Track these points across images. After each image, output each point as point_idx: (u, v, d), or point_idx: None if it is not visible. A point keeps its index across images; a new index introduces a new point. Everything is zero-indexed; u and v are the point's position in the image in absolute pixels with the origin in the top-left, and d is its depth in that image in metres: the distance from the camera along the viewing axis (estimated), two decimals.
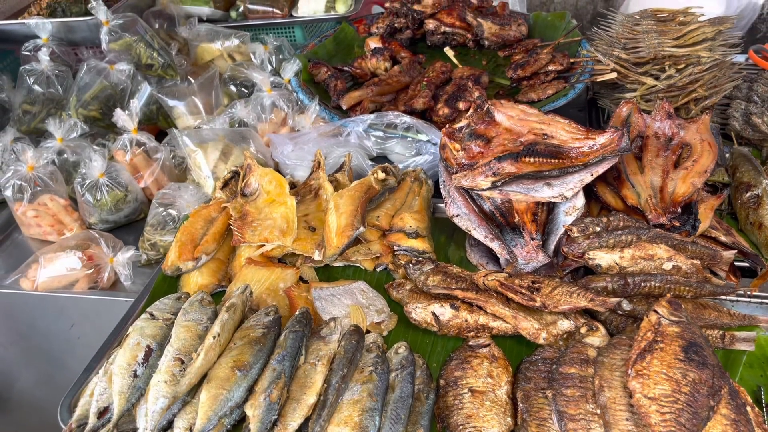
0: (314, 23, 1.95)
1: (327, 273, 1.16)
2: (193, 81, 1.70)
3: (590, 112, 1.63)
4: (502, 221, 1.09)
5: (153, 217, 1.34)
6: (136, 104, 1.47)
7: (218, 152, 1.35)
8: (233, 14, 1.90)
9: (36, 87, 1.56)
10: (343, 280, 1.11)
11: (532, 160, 1.06)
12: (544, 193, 1.04)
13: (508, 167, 1.06)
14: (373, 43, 1.71)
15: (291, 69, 1.61)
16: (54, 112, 1.60)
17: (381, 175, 1.20)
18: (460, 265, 1.12)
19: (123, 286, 1.31)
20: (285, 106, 1.49)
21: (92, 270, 1.26)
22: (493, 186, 1.06)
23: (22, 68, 1.57)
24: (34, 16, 1.77)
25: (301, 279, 1.12)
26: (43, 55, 1.56)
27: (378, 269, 1.15)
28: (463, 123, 1.16)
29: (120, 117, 1.44)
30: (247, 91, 1.70)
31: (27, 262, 1.29)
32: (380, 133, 1.38)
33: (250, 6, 1.88)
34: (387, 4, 1.83)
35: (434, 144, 1.33)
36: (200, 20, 1.89)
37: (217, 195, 1.26)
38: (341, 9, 1.86)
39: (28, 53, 1.65)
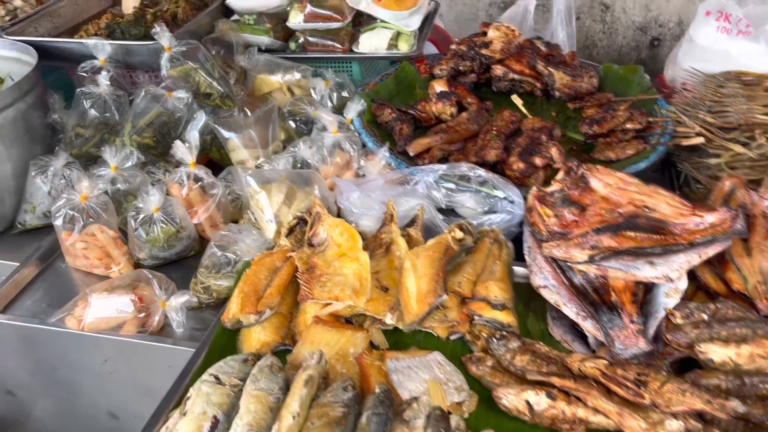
0: (374, 60, 1.89)
1: (395, 336, 1.08)
2: (249, 113, 1.64)
3: (663, 173, 1.55)
4: (596, 298, 1.00)
5: (208, 258, 1.26)
6: (196, 137, 1.41)
7: (282, 195, 1.28)
8: (292, 45, 1.85)
9: (92, 111, 1.51)
10: (415, 348, 1.03)
11: (633, 234, 0.98)
12: (645, 272, 0.96)
13: (607, 241, 0.98)
14: (439, 87, 1.65)
15: (354, 108, 1.54)
16: (107, 138, 1.54)
17: (459, 234, 1.12)
18: (541, 339, 1.04)
19: (171, 330, 1.23)
20: (351, 149, 1.42)
21: (143, 314, 1.18)
22: (591, 260, 0.98)
23: (79, 90, 1.52)
24: (92, 36, 1.73)
25: (370, 342, 1.04)
26: (103, 79, 1.50)
27: (452, 337, 1.07)
28: (555, 187, 1.08)
29: (179, 149, 1.38)
30: (305, 128, 1.63)
31: (74, 300, 1.22)
32: (452, 185, 1.31)
33: (311, 38, 1.83)
34: (453, 46, 1.77)
35: (511, 202, 1.26)
36: (258, 50, 1.84)
37: (282, 242, 1.19)
38: (403, 47, 1.81)
39: (84, 74, 1.60)
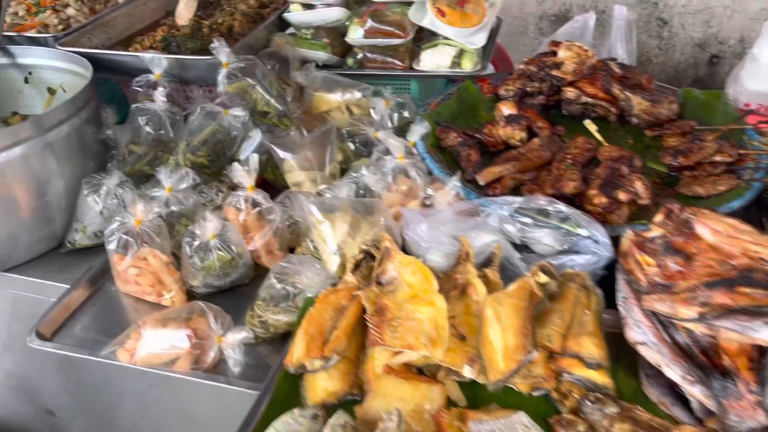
0: (435, 79, 1.81)
1: (471, 389, 0.98)
2: (306, 133, 1.57)
3: (748, 211, 1.43)
4: (704, 360, 0.90)
5: (266, 290, 1.19)
6: (255, 159, 1.34)
7: (346, 225, 1.20)
8: (350, 61, 1.77)
9: (146, 127, 1.45)
10: (496, 406, 0.93)
11: (749, 291, 0.87)
12: (764, 334, 0.86)
13: (720, 297, 0.87)
14: (507, 109, 1.55)
15: (418, 131, 1.46)
16: (161, 156, 1.48)
17: (543, 278, 1.02)
18: (634, 400, 0.94)
19: (225, 366, 1.16)
20: (417, 177, 1.34)
21: (198, 349, 1.11)
22: (701, 318, 0.87)
23: (134, 106, 1.47)
24: (147, 48, 1.68)
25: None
26: (159, 95, 1.45)
27: (534, 393, 0.97)
28: (655, 232, 0.98)
29: (237, 171, 1.31)
30: (365, 150, 1.55)
31: (126, 332, 1.16)
32: (528, 220, 1.21)
33: (369, 54, 1.75)
34: (521, 66, 1.68)
35: (595, 242, 1.16)
36: (315, 65, 1.77)
37: (347, 278, 1.11)
38: (467, 66, 1.72)
39: (139, 88, 1.54)
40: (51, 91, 1.71)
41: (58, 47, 1.65)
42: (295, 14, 1.77)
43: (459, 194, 1.28)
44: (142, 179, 1.50)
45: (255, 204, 1.31)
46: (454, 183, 1.25)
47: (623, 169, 1.34)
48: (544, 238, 1.21)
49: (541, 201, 1.22)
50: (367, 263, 1.14)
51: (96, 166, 1.49)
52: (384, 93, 1.68)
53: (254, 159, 1.33)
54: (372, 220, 1.24)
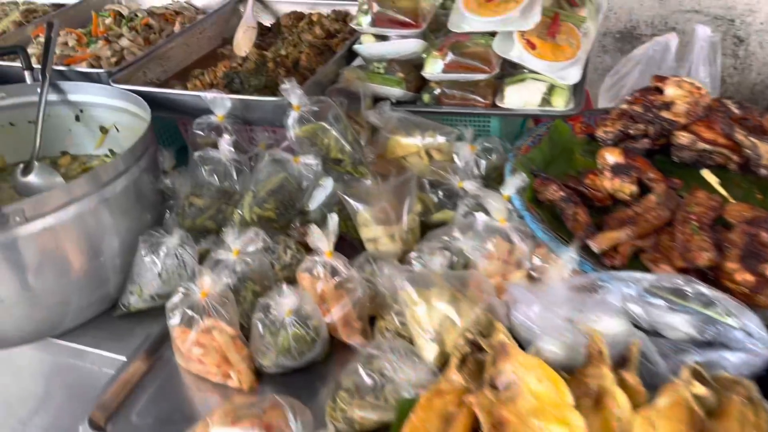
0: (523, 117, 1.63)
1: None
2: (380, 180, 1.41)
3: None
4: None
5: (350, 377, 1.02)
6: (335, 221, 1.18)
7: (445, 305, 1.03)
8: (426, 98, 1.60)
9: (210, 178, 1.31)
10: None
11: None
12: None
13: None
14: (612, 157, 1.36)
15: (513, 184, 1.28)
16: (224, 209, 1.34)
17: (700, 389, 0.84)
18: None
19: None
20: (520, 242, 1.16)
21: None
22: None
23: (197, 155, 1.32)
24: (207, 85, 1.54)
25: None
26: (226, 144, 1.30)
27: None
28: None
29: (314, 234, 1.15)
30: (448, 201, 1.38)
31: (192, 429, 1.00)
32: (661, 302, 1.02)
33: (447, 90, 1.58)
34: (623, 105, 1.49)
35: (748, 334, 0.96)
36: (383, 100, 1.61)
37: (453, 377, 0.93)
38: (559, 104, 1.53)
39: (200, 132, 1.40)
40: (103, 130, 1.58)
41: (113, 84, 1.52)
42: (367, 46, 1.61)
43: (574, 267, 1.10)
44: (202, 233, 1.36)
45: (334, 272, 1.14)
46: (570, 256, 1.07)
47: (763, 236, 1.14)
48: (680, 325, 1.02)
49: (678, 280, 1.03)
50: (474, 356, 0.96)
51: (153, 218, 1.35)
52: (465, 134, 1.51)
53: (334, 221, 1.17)
54: (472, 297, 1.07)
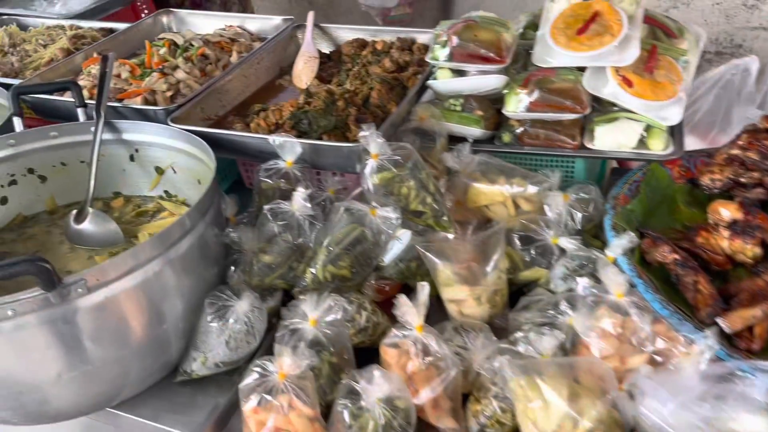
0: (616, 160, 1.49)
1: None
2: (461, 232, 1.28)
3: None
4: None
5: None
6: (426, 291, 1.05)
7: (563, 402, 0.89)
8: (506, 137, 1.47)
9: (282, 235, 1.18)
10: None
11: None
12: None
13: None
14: (728, 212, 1.21)
15: (620, 245, 1.14)
16: (296, 267, 1.21)
17: None
18: None
19: None
20: (640, 320, 1.01)
21: None
22: None
23: (267, 208, 1.20)
24: (272, 125, 1.42)
25: None
26: (300, 198, 1.18)
27: None
28: None
29: (403, 306, 1.03)
30: (543, 260, 1.24)
31: None
32: None
33: (530, 129, 1.44)
34: (734, 151, 1.34)
35: None
36: (458, 140, 1.48)
37: None
38: (657, 147, 1.38)
39: (268, 179, 1.29)
40: (159, 171, 1.48)
41: (171, 123, 1.42)
42: (443, 82, 1.48)
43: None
44: (268, 290, 1.25)
45: (427, 351, 1.01)
46: (708, 345, 0.92)
47: None
48: None
49: None
50: None
51: (217, 274, 1.23)
52: (551, 178, 1.37)
53: (425, 291, 1.04)
54: (591, 388, 0.93)
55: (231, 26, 1.97)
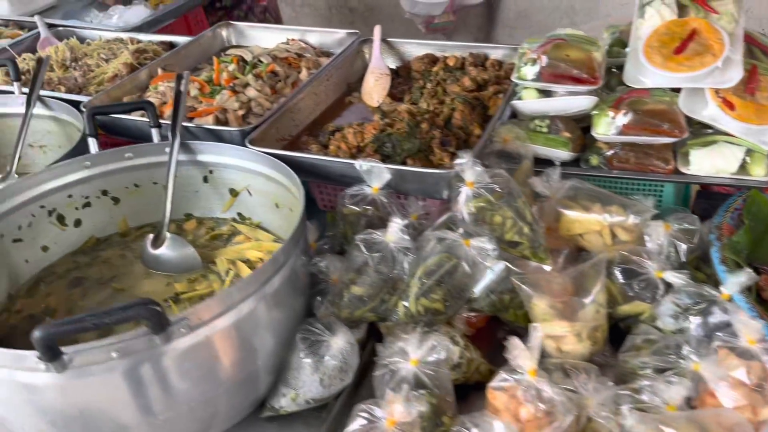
0: (713, 186, 1.42)
1: None
2: (554, 263, 1.22)
3: None
4: None
5: None
6: (539, 335, 0.99)
7: None
8: (594, 160, 1.40)
9: (377, 268, 1.13)
10: None
11: None
12: None
13: None
14: None
15: (736, 282, 1.07)
16: (387, 300, 1.16)
17: None
18: None
19: None
20: None
21: None
22: None
23: (360, 238, 1.15)
24: (355, 150, 1.37)
25: None
26: (396, 228, 1.12)
27: None
28: None
29: (516, 349, 0.97)
30: (647, 295, 1.17)
31: None
32: None
33: (620, 152, 1.38)
34: None
35: None
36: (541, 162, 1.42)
37: None
38: (759, 172, 1.31)
39: (354, 207, 1.24)
40: (233, 193, 1.43)
41: (249, 145, 1.38)
42: (529, 103, 1.42)
43: None
44: (356, 322, 1.20)
45: (543, 399, 0.95)
46: None
47: None
48: None
49: None
50: None
51: (304, 306, 1.18)
52: (645, 203, 1.30)
53: (537, 334, 0.98)
54: None
55: (293, 40, 1.93)
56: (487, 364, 1.18)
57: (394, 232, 1.12)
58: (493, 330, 1.27)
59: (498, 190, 1.16)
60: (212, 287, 1.28)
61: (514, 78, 1.43)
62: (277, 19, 3.55)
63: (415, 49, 1.82)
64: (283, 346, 1.11)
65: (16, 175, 1.55)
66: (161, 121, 1.44)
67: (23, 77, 1.78)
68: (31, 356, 0.84)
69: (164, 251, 1.32)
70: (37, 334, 0.78)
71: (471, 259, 1.17)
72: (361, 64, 1.83)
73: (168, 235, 1.33)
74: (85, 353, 0.85)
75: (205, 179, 1.44)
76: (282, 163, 1.27)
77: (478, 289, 1.19)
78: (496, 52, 1.73)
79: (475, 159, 1.14)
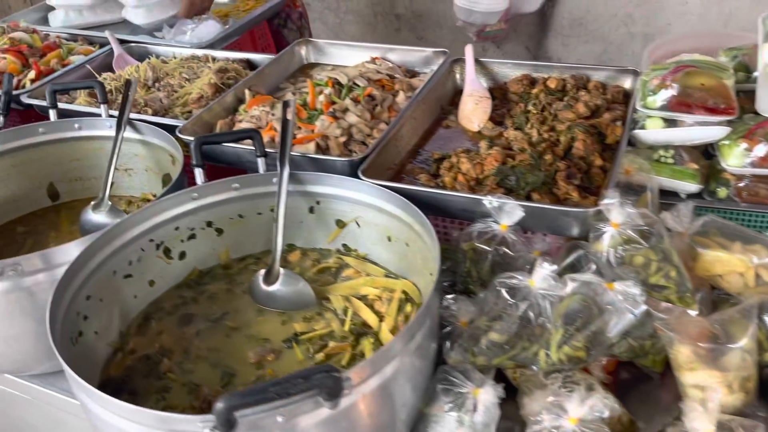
0: None
1: None
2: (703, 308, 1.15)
3: None
4: None
5: None
6: (719, 395, 0.92)
7: None
8: (721, 192, 1.33)
9: (523, 313, 1.07)
10: None
11: None
12: None
13: None
14: None
15: None
16: (528, 347, 1.10)
17: None
18: None
19: None
20: None
21: None
22: None
23: (499, 281, 1.09)
24: (474, 183, 1.32)
25: None
26: (544, 272, 1.05)
27: None
28: None
29: (693, 412, 0.90)
30: None
31: None
32: None
33: (751, 185, 1.31)
34: None
35: None
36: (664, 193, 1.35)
37: None
38: None
39: (485, 246, 1.18)
40: (340, 224, 1.38)
41: (363, 177, 1.32)
42: (654, 132, 1.35)
43: None
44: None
45: None
46: None
47: None
48: None
49: None
50: None
51: (436, 351, 1.13)
52: None
53: (717, 396, 0.92)
54: None
55: (377, 58, 1.87)
56: (628, 414, 1.11)
57: (543, 278, 1.06)
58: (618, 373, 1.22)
59: (646, 231, 1.10)
60: (331, 326, 1.22)
61: (638, 106, 1.36)
62: (303, 33, 3.50)
63: (508, 69, 1.76)
64: (421, 398, 1.06)
65: (110, 202, 1.51)
66: (268, 150, 1.39)
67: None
68: (196, 421, 0.79)
69: (278, 288, 1.27)
70: (220, 406, 0.73)
71: (615, 304, 1.11)
72: (452, 84, 1.77)
73: (282, 270, 1.28)
74: (252, 417, 0.80)
75: (311, 210, 1.39)
76: (403, 199, 1.22)
77: (616, 333, 1.13)
78: (597, 74, 1.66)
79: (623, 199, 1.08)
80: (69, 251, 1.17)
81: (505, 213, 1.17)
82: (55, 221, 1.67)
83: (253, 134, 1.36)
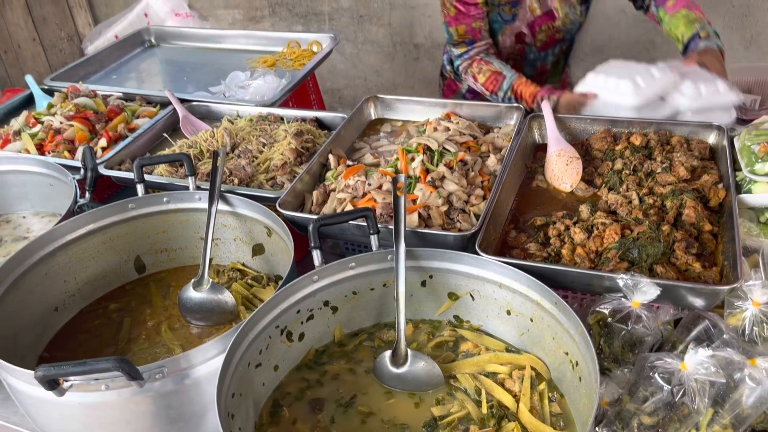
0: None
1: None
2: None
3: None
4: None
5: None
6: None
7: None
8: None
9: (680, 399, 1.09)
10: None
11: None
12: None
13: None
14: None
15: None
16: (678, 428, 1.12)
17: None
18: None
19: None
20: None
21: None
22: None
23: (650, 365, 1.11)
24: (594, 256, 1.33)
25: None
26: (699, 357, 1.08)
27: None
28: None
29: None
30: None
31: None
32: None
33: None
34: None
35: None
36: None
37: None
38: None
39: (623, 326, 1.20)
40: (453, 297, 1.39)
41: (480, 252, 1.33)
42: (761, 197, 1.39)
43: None
44: None
45: None
46: None
47: None
48: None
49: None
50: None
51: None
52: None
53: None
54: None
55: (452, 114, 1.89)
56: None
57: (696, 362, 1.08)
58: None
59: None
60: (466, 408, 1.23)
61: (746, 171, 1.39)
62: None
63: (586, 125, 1.78)
64: None
65: (210, 279, 1.51)
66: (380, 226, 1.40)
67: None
68: None
69: (408, 369, 1.28)
70: None
71: (756, 380, 1.13)
72: (532, 141, 1.80)
73: (410, 352, 1.28)
74: None
75: (423, 284, 1.40)
76: (535, 280, 1.23)
77: (754, 406, 1.15)
78: (680, 129, 1.69)
79: (765, 281, 1.10)
80: (207, 351, 1.17)
81: (640, 291, 1.19)
82: (145, 296, 1.66)
83: (367, 213, 1.37)
